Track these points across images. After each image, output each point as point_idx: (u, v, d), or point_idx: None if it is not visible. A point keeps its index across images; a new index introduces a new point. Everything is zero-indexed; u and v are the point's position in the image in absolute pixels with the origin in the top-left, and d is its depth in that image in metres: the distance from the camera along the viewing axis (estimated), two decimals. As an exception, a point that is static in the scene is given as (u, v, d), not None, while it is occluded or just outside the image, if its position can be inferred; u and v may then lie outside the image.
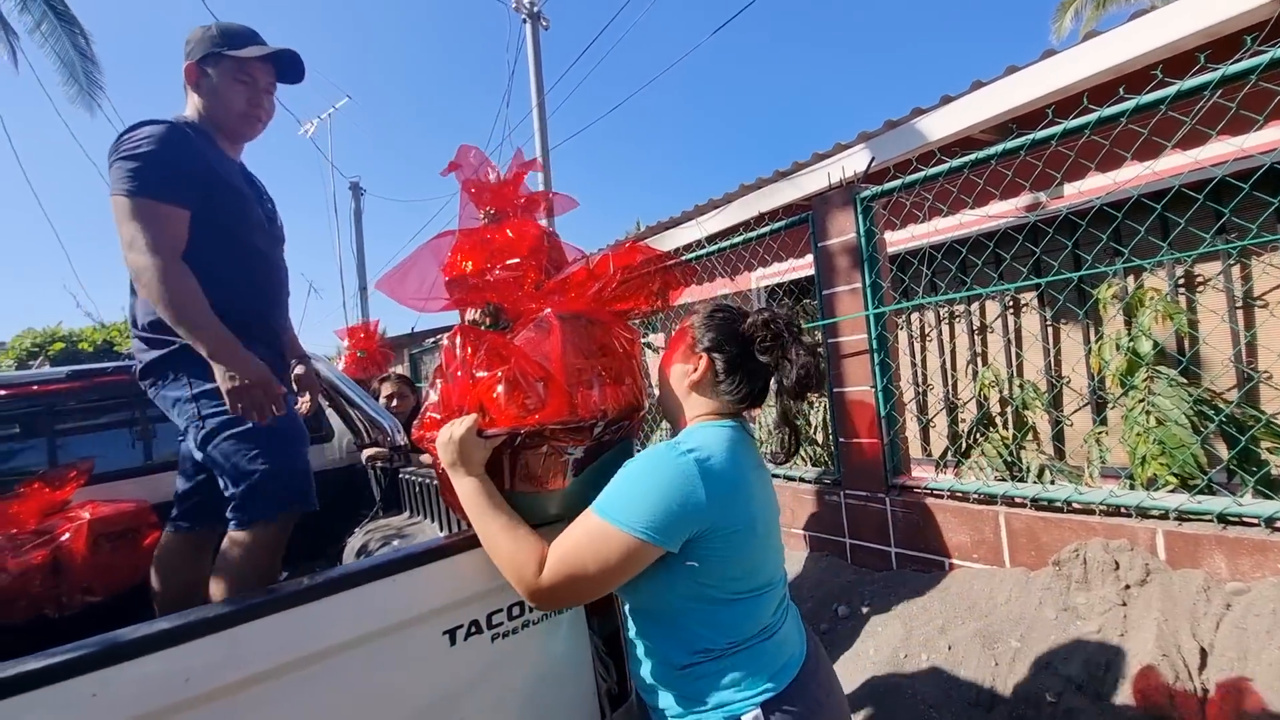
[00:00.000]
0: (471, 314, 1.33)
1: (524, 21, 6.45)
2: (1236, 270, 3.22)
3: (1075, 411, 3.63)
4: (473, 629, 1.18)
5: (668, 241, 5.65)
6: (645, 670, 1.09)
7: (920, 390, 4.41)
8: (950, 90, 3.56)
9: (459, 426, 1.07)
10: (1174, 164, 2.85)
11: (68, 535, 2.09)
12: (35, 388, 2.68)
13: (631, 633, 1.14)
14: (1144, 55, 2.84)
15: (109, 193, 1.45)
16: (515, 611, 1.24)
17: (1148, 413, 2.10)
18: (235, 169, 1.72)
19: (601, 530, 0.95)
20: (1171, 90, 1.92)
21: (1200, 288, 3.25)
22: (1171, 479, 2.05)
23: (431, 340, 8.91)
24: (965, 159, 2.36)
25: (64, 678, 0.80)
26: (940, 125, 3.56)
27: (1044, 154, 2.36)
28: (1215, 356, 3.16)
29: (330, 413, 3.28)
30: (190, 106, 1.67)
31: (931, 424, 4.40)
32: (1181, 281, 3.30)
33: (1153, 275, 3.37)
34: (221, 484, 1.57)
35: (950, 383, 4.29)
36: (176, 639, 0.92)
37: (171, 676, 0.89)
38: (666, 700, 1.05)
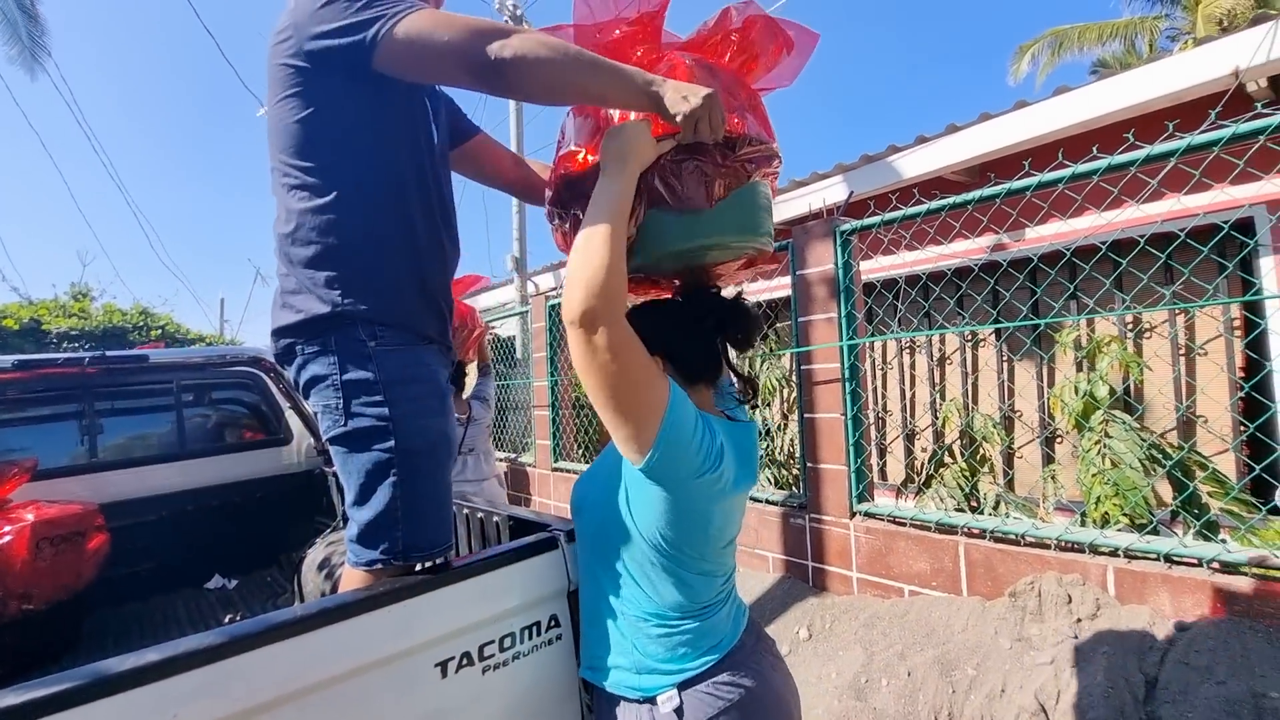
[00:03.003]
0: None
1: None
2: (1181, 319, 3.43)
3: (1026, 445, 3.79)
4: (464, 660, 1.16)
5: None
6: (607, 628, 1.11)
7: (881, 417, 4.54)
8: (926, 130, 3.70)
9: (635, 124, 1.01)
10: (1130, 216, 3.03)
11: (8, 537, 1.97)
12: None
13: (595, 595, 1.15)
14: (1112, 113, 3.01)
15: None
16: (507, 643, 1.22)
17: (1103, 455, 2.21)
18: None
19: (648, 357, 0.96)
20: (1141, 154, 2.04)
21: (1149, 334, 3.45)
22: (1123, 518, 2.17)
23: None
24: (946, 201, 2.45)
25: (44, 713, 0.76)
26: (915, 164, 3.69)
27: (1014, 200, 2.48)
28: (1158, 399, 3.36)
29: (290, 414, 3.18)
30: None
31: (890, 451, 4.53)
32: (1131, 327, 3.49)
33: (1106, 320, 3.56)
34: (345, 499, 1.26)
35: (909, 411, 4.43)
36: (164, 672, 0.88)
37: (158, 712, 0.85)
38: (620, 658, 1.08)
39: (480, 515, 1.70)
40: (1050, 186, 2.31)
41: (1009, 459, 3.60)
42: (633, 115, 1.07)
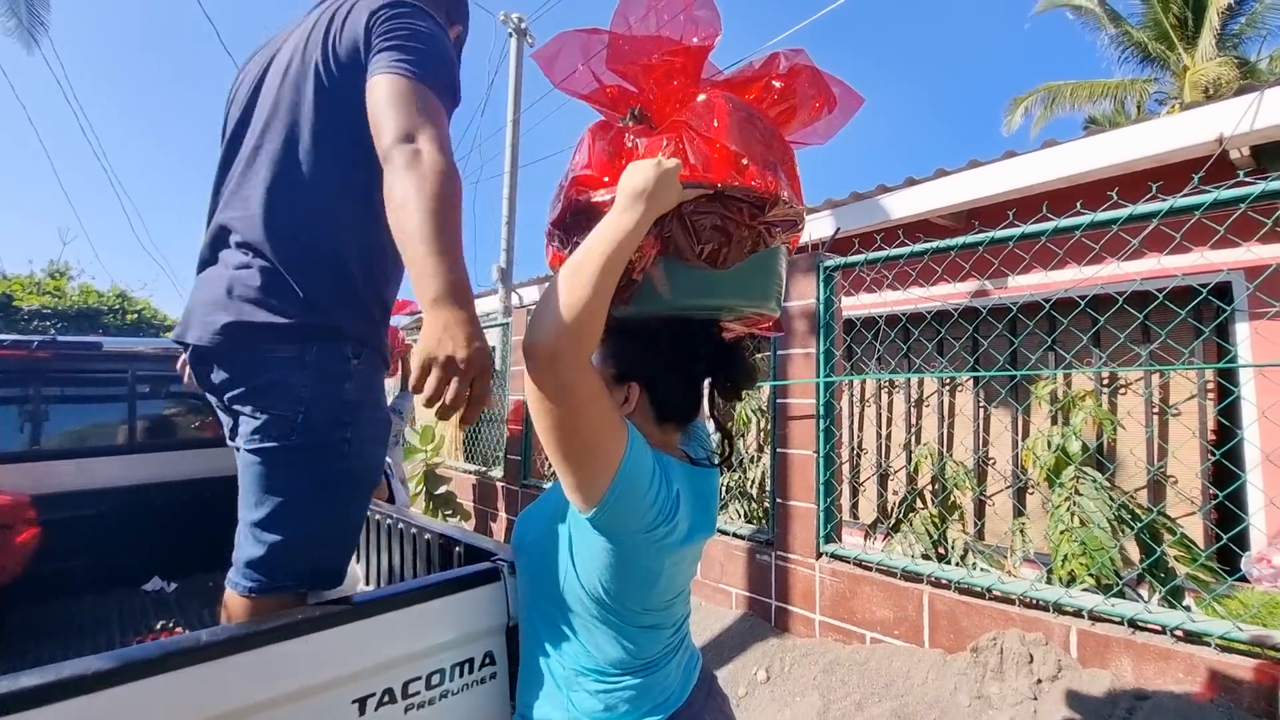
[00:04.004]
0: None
1: (510, 35, 6.42)
2: (1156, 379, 3.44)
3: (997, 494, 3.77)
4: (385, 698, 1.08)
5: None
6: (541, 676, 1.03)
7: (855, 456, 4.51)
8: (912, 172, 3.72)
9: (665, 163, 0.91)
10: (1110, 273, 3.05)
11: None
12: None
13: (532, 640, 1.06)
14: (1097, 170, 3.04)
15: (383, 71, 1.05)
16: (435, 680, 1.15)
17: (1072, 512, 2.18)
18: None
19: (611, 404, 0.89)
20: (1124, 212, 2.05)
21: (1123, 391, 3.46)
22: (1089, 578, 2.13)
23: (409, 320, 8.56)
24: (930, 245, 2.44)
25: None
26: (903, 204, 3.70)
27: (994, 247, 2.50)
28: (1130, 459, 3.35)
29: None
30: None
31: (862, 490, 4.50)
32: (1106, 383, 3.50)
33: (1080, 373, 3.57)
34: (247, 514, 1.15)
35: (884, 452, 4.40)
36: (39, 700, 0.80)
37: (25, 749, 0.77)
38: (552, 711, 0.99)
39: (427, 537, 1.62)
40: (1033, 238, 2.31)
41: (979, 507, 3.57)
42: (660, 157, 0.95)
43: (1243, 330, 3.12)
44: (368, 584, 2.02)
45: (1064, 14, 16.53)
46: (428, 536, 1.61)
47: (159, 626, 2.40)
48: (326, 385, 1.13)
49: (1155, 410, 3.40)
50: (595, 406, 0.84)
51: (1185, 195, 2.00)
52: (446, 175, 0.98)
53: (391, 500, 3.18)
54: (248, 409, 1.12)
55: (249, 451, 1.12)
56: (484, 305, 7.68)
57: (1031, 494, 3.81)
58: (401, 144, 0.99)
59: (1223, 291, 3.22)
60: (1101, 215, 2.16)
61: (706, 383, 1.08)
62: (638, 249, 0.92)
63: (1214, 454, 2.15)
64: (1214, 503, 3.09)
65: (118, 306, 13.12)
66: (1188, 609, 2.09)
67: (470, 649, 1.22)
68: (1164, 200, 2.02)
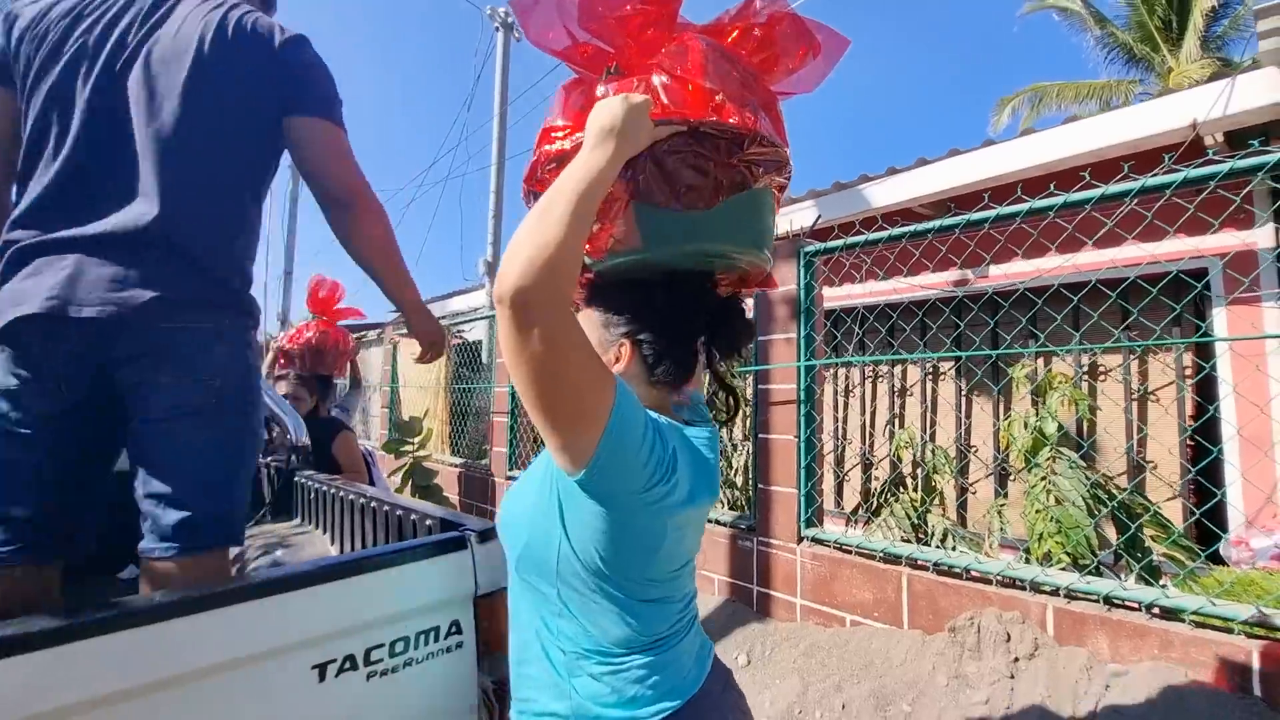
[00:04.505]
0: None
1: (496, 29, 6.40)
2: (1135, 364, 3.47)
3: (978, 481, 3.79)
4: (346, 664, 1.07)
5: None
6: (539, 666, 0.93)
7: (839, 444, 4.52)
8: (897, 163, 3.74)
9: (633, 98, 0.87)
10: (1091, 260, 3.07)
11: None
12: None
13: (524, 626, 0.97)
14: (1073, 156, 3.07)
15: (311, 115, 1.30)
16: (398, 648, 1.13)
17: (1048, 491, 2.19)
18: None
19: (598, 330, 0.92)
20: (1097, 192, 2.06)
21: (1103, 377, 3.48)
22: (1065, 557, 2.14)
23: (356, 336, 8.51)
24: (907, 229, 2.45)
25: None
26: (884, 194, 3.71)
27: (976, 234, 2.50)
28: (1109, 442, 3.38)
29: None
30: None
31: (845, 478, 4.51)
32: (1086, 370, 3.52)
33: (1062, 360, 3.59)
34: (163, 481, 1.18)
35: (868, 440, 4.42)
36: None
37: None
38: (555, 703, 0.90)
39: (399, 513, 1.60)
40: (1007, 220, 2.32)
41: (960, 492, 3.58)
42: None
43: (1219, 316, 3.16)
44: (334, 543, 2.01)
45: (1050, 15, 16.71)
46: (399, 512, 1.59)
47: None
48: (237, 354, 1.26)
49: (1134, 396, 3.43)
50: (576, 355, 0.76)
51: (1155, 175, 2.01)
52: (388, 219, 1.39)
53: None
54: (167, 379, 1.17)
55: (168, 420, 1.17)
56: (471, 300, 7.65)
57: (1013, 481, 3.83)
58: (363, 193, 1.33)
59: (1200, 278, 3.26)
60: (1075, 196, 2.16)
61: (701, 341, 1.00)
62: (609, 195, 0.90)
63: (1189, 433, 2.17)
64: (1188, 477, 3.12)
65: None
66: (1164, 587, 2.10)
67: (435, 617, 1.21)
68: (1135, 180, 2.03)
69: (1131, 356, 3.41)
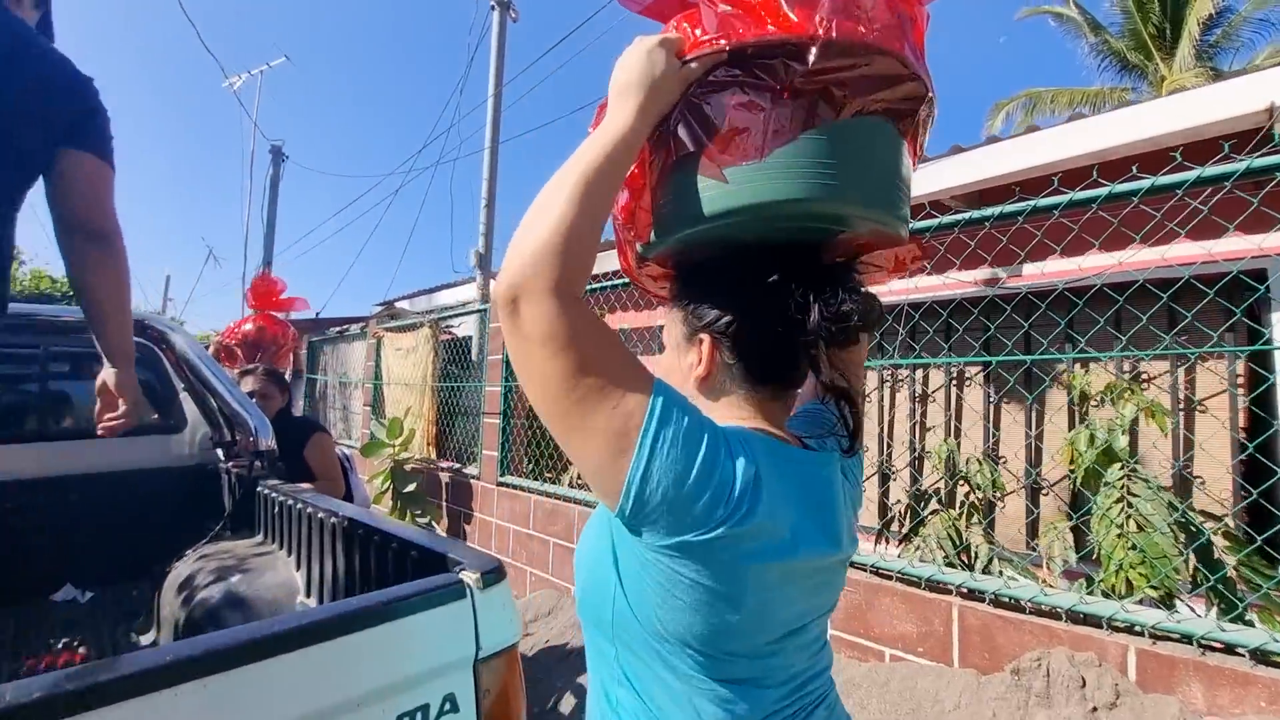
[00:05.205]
0: None
1: (492, 8, 6.08)
2: (1181, 373, 3.22)
3: (1008, 494, 3.52)
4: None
5: (610, 260, 5.33)
6: None
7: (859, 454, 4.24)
8: (929, 151, 3.47)
9: (652, 39, 0.72)
10: (1137, 259, 2.82)
11: None
12: None
13: (593, 696, 0.78)
14: (1124, 146, 2.81)
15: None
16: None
17: (1127, 515, 1.92)
18: None
19: (624, 353, 0.65)
20: (1146, 182, 1.88)
21: (1147, 385, 3.23)
22: (1149, 590, 1.87)
23: (337, 330, 8.14)
24: (948, 219, 2.22)
25: None
26: (917, 184, 3.44)
27: (1009, 229, 2.31)
28: (1154, 455, 3.12)
29: (185, 398, 2.70)
30: None
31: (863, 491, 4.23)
32: (1130, 377, 3.27)
33: (1103, 368, 3.34)
34: None
35: (886, 451, 4.14)
36: None
37: None
38: None
39: (377, 539, 1.28)
40: (1044, 214, 2.09)
41: (989, 509, 3.31)
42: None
43: (1278, 318, 2.92)
44: (308, 596, 1.68)
45: (1046, 21, 16.75)
46: (377, 538, 1.28)
47: (60, 645, 2.02)
48: None
49: (1181, 405, 3.18)
50: (584, 352, 0.61)
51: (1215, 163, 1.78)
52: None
53: (350, 498, 2.83)
54: None
55: None
56: (461, 293, 7.31)
57: (1045, 495, 3.57)
58: (119, 234, 1.40)
59: (1260, 280, 3.01)
60: (1121, 187, 1.96)
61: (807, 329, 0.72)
62: (641, 161, 0.74)
63: (1246, 448, 1.91)
64: (1246, 503, 2.86)
65: (72, 293, 12.44)
66: (1250, 624, 1.83)
67: (423, 692, 0.89)
68: (1193, 169, 1.81)
69: (1180, 365, 3.16)
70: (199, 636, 0.74)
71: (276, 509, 1.95)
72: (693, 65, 0.71)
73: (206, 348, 3.31)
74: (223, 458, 2.53)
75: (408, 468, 4.97)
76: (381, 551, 1.27)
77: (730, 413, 0.76)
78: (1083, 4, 15.71)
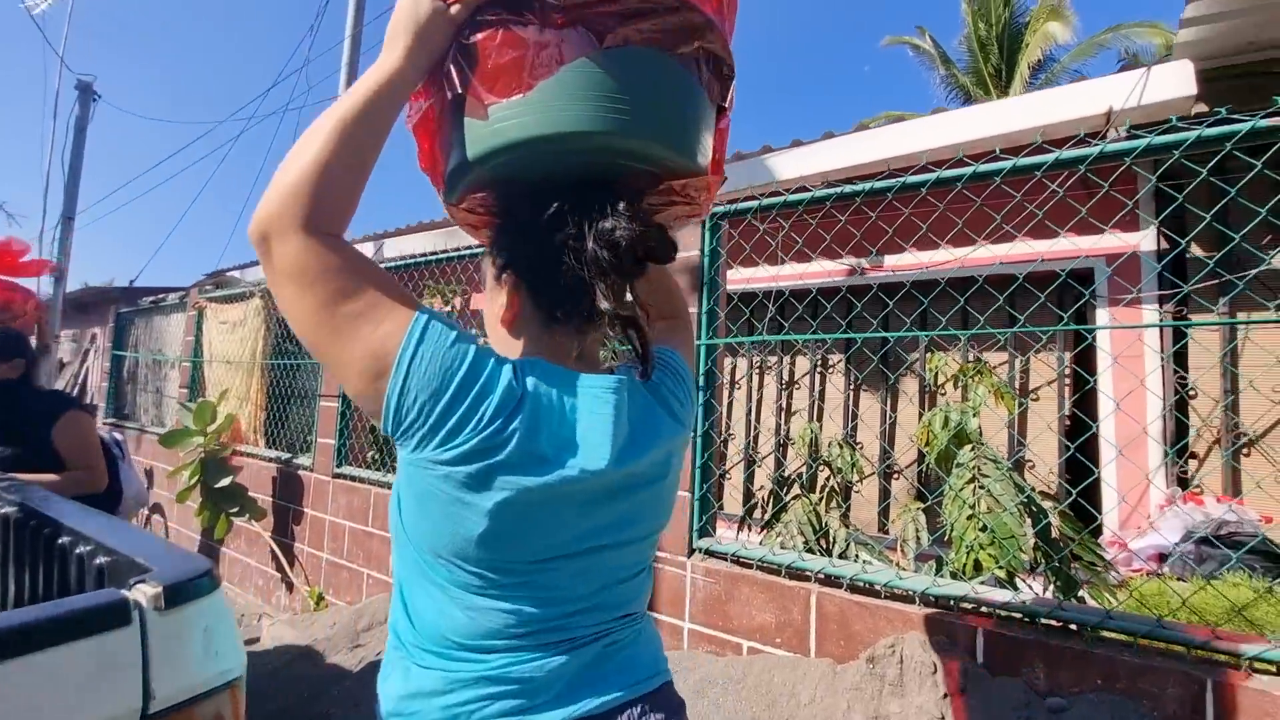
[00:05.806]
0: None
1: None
2: (1017, 364, 3.42)
3: (866, 478, 3.59)
4: None
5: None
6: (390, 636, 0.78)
7: (724, 440, 4.18)
8: (802, 136, 3.44)
9: None
10: (980, 255, 2.93)
11: None
12: None
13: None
14: (984, 139, 2.91)
15: None
16: None
17: (978, 497, 1.91)
18: None
19: (384, 285, 0.66)
20: (1008, 163, 1.94)
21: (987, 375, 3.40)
22: (998, 571, 1.86)
23: (151, 300, 7.01)
24: (824, 192, 2.18)
25: None
26: (789, 166, 3.42)
27: (868, 220, 2.37)
28: (991, 442, 3.29)
29: None
30: None
31: (727, 477, 4.18)
32: (971, 366, 3.42)
33: (950, 357, 3.47)
34: None
35: (752, 435, 4.12)
36: None
37: None
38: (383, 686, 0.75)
39: (47, 531, 0.90)
40: (910, 194, 2.09)
41: (846, 493, 3.34)
42: None
43: (1102, 316, 3.16)
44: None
45: (906, 50, 18.15)
46: (47, 530, 0.89)
47: None
48: None
49: (1017, 394, 3.37)
50: (338, 282, 0.64)
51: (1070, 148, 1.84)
52: None
53: (115, 492, 2.29)
54: None
55: None
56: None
57: (896, 479, 3.67)
58: None
59: (1086, 281, 3.25)
60: (984, 166, 1.99)
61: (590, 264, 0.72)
62: (427, 112, 0.79)
63: (1067, 446, 1.99)
64: (1069, 501, 3.07)
65: None
66: (1109, 608, 1.88)
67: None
68: (1050, 152, 1.85)
69: (1016, 355, 3.35)
70: None
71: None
72: (456, 7, 0.71)
73: None
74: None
75: (223, 460, 4.29)
76: (63, 556, 0.89)
77: (528, 351, 0.77)
78: (936, 39, 17.17)
